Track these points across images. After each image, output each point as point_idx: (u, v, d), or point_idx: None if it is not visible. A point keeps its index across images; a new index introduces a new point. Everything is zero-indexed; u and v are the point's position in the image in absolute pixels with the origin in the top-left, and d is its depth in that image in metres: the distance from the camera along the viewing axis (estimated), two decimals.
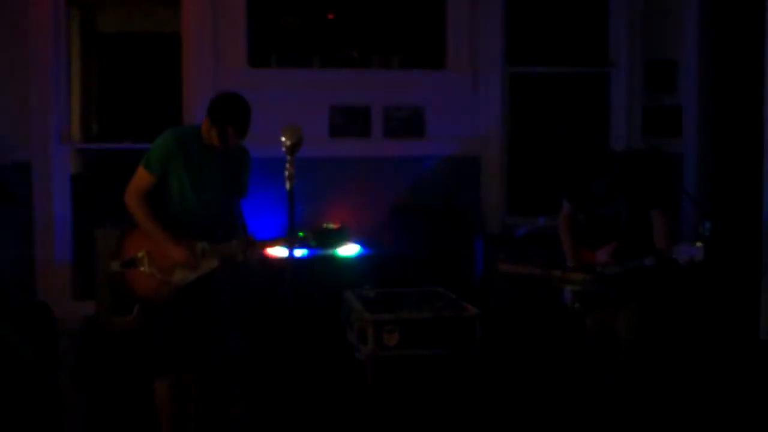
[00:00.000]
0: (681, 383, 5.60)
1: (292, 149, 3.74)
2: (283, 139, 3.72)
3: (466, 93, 7.22)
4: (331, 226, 4.29)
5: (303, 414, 5.06)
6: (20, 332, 4.94)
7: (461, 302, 5.55)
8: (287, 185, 3.75)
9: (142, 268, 4.30)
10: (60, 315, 6.33)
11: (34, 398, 4.84)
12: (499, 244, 6.85)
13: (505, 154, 7.42)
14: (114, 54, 7.67)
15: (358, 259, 6.47)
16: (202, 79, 6.83)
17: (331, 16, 7.19)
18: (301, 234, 4.35)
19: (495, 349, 5.74)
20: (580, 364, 5.27)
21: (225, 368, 5.07)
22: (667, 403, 5.29)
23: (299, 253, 6.28)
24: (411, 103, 7.17)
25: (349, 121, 7.08)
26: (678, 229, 6.71)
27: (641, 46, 7.38)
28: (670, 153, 7.08)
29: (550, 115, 7.76)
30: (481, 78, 7.25)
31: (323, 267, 6.30)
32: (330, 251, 4.43)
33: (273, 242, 4.42)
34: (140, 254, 4.31)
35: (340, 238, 4.40)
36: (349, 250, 6.51)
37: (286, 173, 3.74)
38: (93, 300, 6.44)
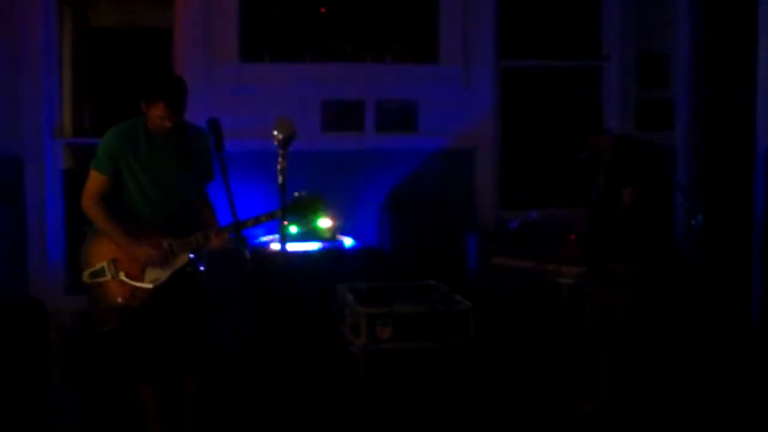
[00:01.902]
0: (674, 370, 5.63)
1: (285, 142, 3.73)
2: (276, 132, 3.71)
3: (458, 87, 7.22)
4: (302, 193, 4.15)
5: (297, 408, 5.06)
6: (12, 327, 4.93)
7: (454, 296, 5.56)
8: (279, 179, 3.75)
9: (110, 276, 4.22)
10: (52, 310, 6.30)
11: (26, 393, 4.83)
12: (492, 238, 6.84)
13: (497, 148, 7.43)
14: (106, 48, 7.64)
15: (351, 253, 6.47)
16: (194, 74, 6.79)
17: (323, 11, 7.18)
18: (291, 223, 4.26)
19: (488, 342, 5.75)
20: (572, 353, 5.29)
21: (217, 364, 5.06)
22: (660, 388, 5.32)
23: (291, 247, 6.29)
24: (403, 97, 7.16)
25: (341, 115, 7.07)
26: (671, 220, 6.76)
27: (634, 40, 7.38)
28: (662, 146, 7.11)
29: (542, 109, 7.76)
30: (474, 72, 7.25)
31: (316, 261, 6.30)
32: (306, 220, 4.28)
33: (238, 226, 4.10)
34: (105, 263, 4.23)
35: (314, 204, 4.24)
36: (339, 243, 6.52)
37: (279, 167, 3.74)
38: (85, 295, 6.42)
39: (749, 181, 6.40)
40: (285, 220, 4.07)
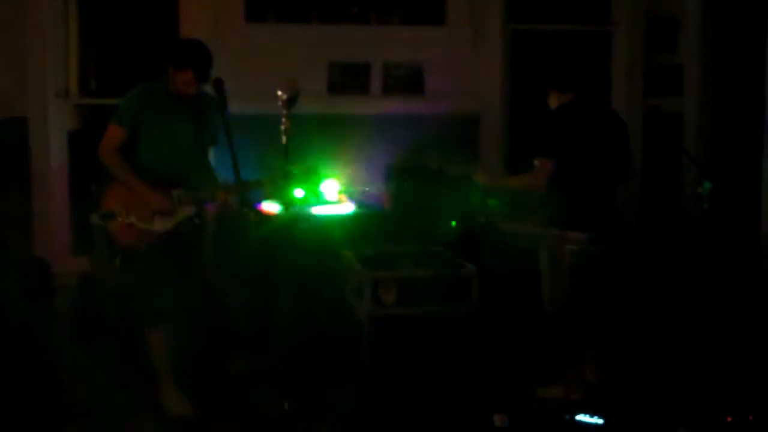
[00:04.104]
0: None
1: (289, 103, 3.72)
2: (280, 92, 3.71)
3: (466, 50, 7.15)
4: (299, 166, 4.22)
5: (301, 371, 5.06)
6: (18, 288, 4.96)
7: (459, 260, 5.55)
8: (283, 139, 3.73)
9: (120, 219, 4.39)
10: (57, 270, 6.33)
11: (34, 355, 4.86)
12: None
13: (504, 113, 7.37)
14: (112, 9, 7.59)
15: (356, 217, 6.44)
16: (200, 35, 6.72)
17: None
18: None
19: (492, 307, 5.74)
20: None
21: (225, 325, 5.08)
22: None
23: (296, 210, 6.27)
24: (410, 60, 7.11)
25: (347, 77, 7.02)
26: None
27: (643, 4, 7.31)
28: (670, 112, 7.05)
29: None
30: (481, 35, 7.18)
31: (321, 225, 6.28)
32: (307, 187, 4.46)
33: (246, 185, 4.30)
34: (118, 206, 4.40)
35: (312, 174, 4.31)
36: (344, 207, 6.50)
37: (282, 127, 3.72)
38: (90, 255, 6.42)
39: (758, 146, 6.36)
40: (284, 186, 4.15)
